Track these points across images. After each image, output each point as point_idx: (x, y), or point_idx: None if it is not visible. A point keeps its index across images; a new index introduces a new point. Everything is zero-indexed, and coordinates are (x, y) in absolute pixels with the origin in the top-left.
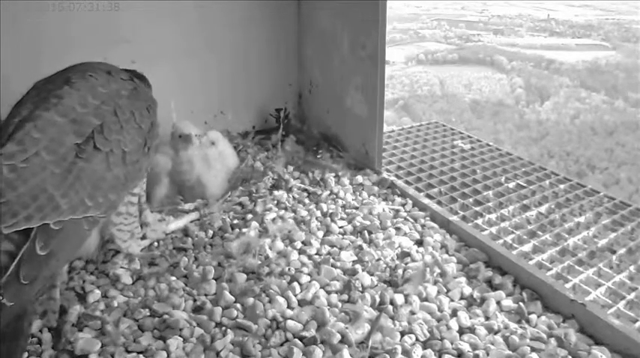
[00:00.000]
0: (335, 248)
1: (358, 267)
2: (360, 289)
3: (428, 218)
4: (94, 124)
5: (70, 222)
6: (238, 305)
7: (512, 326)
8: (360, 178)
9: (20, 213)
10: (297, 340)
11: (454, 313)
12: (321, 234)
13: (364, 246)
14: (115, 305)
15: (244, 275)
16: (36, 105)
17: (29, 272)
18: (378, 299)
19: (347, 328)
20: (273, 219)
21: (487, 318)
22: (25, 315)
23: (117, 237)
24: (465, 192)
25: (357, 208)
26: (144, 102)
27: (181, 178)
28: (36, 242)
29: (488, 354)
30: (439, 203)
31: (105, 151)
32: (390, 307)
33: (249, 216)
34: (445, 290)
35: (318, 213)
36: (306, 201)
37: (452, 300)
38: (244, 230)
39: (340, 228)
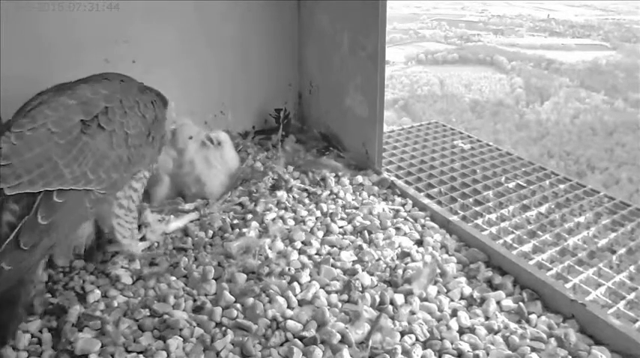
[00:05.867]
0: (335, 248)
1: (358, 266)
2: (360, 289)
3: (428, 218)
4: (102, 106)
5: (72, 197)
6: (238, 305)
7: (512, 326)
8: (360, 178)
9: (24, 176)
10: (297, 340)
11: (454, 313)
12: (321, 234)
13: (364, 246)
14: (115, 305)
15: (244, 276)
16: (53, 94)
17: (29, 239)
18: (378, 299)
19: (347, 328)
20: (273, 219)
21: (487, 318)
22: (23, 284)
23: (117, 232)
24: (465, 192)
25: (357, 208)
26: (149, 97)
27: (182, 178)
28: (38, 212)
29: (488, 354)
30: (439, 203)
31: (108, 130)
32: (390, 307)
33: (249, 216)
34: (445, 290)
35: (318, 213)
36: (306, 201)
37: (452, 300)
38: (244, 230)
39: (340, 228)
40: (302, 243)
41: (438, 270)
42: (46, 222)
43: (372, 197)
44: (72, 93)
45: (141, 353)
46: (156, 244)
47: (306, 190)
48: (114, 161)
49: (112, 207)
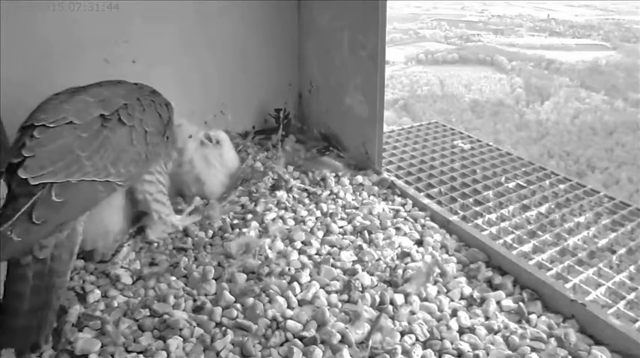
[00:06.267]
0: (335, 248)
1: (358, 266)
2: (360, 289)
3: (428, 218)
4: (121, 103)
5: (87, 181)
6: (238, 305)
7: (512, 326)
8: (360, 178)
9: (47, 166)
10: (297, 340)
11: (454, 313)
12: (321, 234)
13: (364, 246)
14: (115, 305)
15: (244, 275)
16: (69, 95)
17: (42, 214)
18: (378, 299)
19: (347, 328)
20: (273, 219)
21: (487, 318)
22: (54, 290)
23: (160, 211)
24: (465, 192)
25: (357, 208)
26: (162, 99)
27: (182, 178)
28: (52, 189)
29: (488, 354)
30: (439, 203)
31: (129, 125)
32: (390, 307)
33: (249, 216)
34: (445, 290)
35: (318, 213)
36: (306, 201)
37: (452, 300)
38: (244, 230)
39: (340, 228)
40: (302, 243)
41: (438, 270)
42: (60, 200)
43: (372, 197)
44: (89, 93)
45: (141, 353)
46: (155, 244)
47: (306, 190)
48: (133, 156)
49: (143, 190)
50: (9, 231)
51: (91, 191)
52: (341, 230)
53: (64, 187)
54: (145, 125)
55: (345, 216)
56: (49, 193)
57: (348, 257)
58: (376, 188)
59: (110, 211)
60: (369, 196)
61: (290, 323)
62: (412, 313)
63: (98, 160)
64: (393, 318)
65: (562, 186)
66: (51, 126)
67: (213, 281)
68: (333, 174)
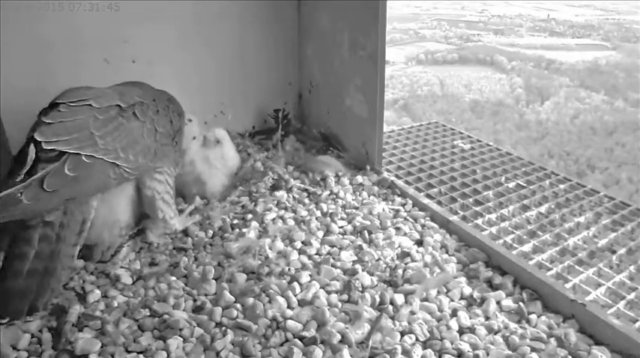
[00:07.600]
0: (335, 248)
1: (358, 266)
2: (360, 289)
3: (428, 218)
4: (137, 100)
5: (99, 163)
6: (238, 305)
7: (512, 326)
8: (360, 178)
9: (62, 135)
10: (297, 340)
11: (454, 313)
12: (321, 234)
13: (364, 246)
14: (115, 305)
15: (244, 276)
16: (89, 88)
17: (53, 183)
18: (378, 299)
19: (347, 328)
20: (273, 219)
21: (487, 318)
22: (59, 259)
23: (165, 212)
24: (465, 192)
25: (357, 208)
26: (177, 108)
27: (183, 178)
28: (66, 164)
29: (488, 354)
30: (439, 203)
31: (142, 121)
32: (390, 307)
33: (249, 216)
34: (445, 290)
35: (318, 213)
36: (306, 201)
37: (452, 300)
38: (244, 230)
39: (340, 228)
40: (302, 243)
41: (438, 270)
42: (72, 175)
43: (372, 197)
44: (108, 88)
45: (141, 353)
46: (155, 244)
47: (306, 190)
48: (142, 148)
49: (152, 187)
50: (19, 193)
51: (103, 174)
52: (341, 230)
53: (78, 163)
54: (156, 124)
55: (345, 216)
56: (62, 166)
57: (348, 257)
58: (376, 188)
59: (120, 201)
60: (369, 196)
61: (290, 323)
62: (412, 313)
63: (110, 141)
64: (393, 318)
65: (562, 186)
66: (71, 105)
67: (213, 281)
68: (333, 174)
